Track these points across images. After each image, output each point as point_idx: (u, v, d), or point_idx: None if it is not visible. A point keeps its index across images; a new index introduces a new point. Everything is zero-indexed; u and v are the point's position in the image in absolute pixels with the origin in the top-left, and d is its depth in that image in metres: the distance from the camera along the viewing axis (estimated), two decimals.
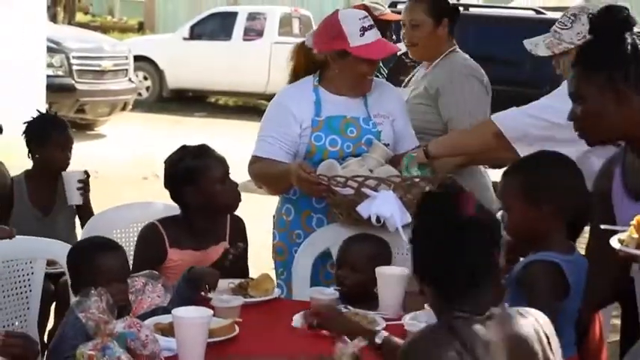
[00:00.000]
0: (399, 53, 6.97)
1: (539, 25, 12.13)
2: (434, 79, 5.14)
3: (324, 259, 4.58)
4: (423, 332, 2.74)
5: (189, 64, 19.63)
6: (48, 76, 12.29)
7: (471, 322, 2.64)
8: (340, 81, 4.70)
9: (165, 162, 4.23)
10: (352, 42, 4.57)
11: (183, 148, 4.24)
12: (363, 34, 4.57)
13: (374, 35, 4.62)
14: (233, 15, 21.85)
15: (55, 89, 12.95)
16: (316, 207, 4.64)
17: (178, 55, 19.83)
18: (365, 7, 7.20)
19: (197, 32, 20.74)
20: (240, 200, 4.26)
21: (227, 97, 20.54)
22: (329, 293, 4.09)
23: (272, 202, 4.98)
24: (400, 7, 13.25)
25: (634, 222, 3.03)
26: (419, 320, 3.72)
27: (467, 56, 5.30)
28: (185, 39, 20.59)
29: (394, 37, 7.34)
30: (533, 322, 2.75)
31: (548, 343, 2.75)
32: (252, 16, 21.36)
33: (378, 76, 5.77)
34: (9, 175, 5.21)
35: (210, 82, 19.21)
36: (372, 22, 4.67)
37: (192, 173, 4.11)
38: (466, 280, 2.71)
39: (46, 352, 3.59)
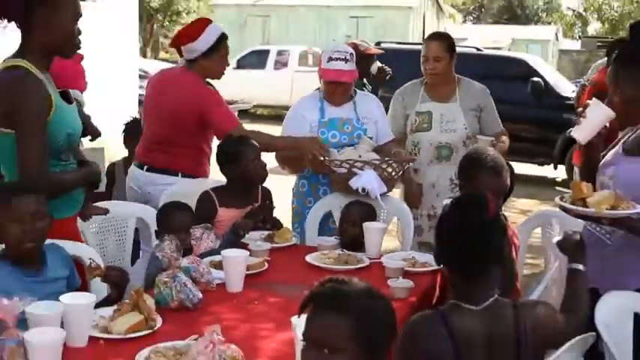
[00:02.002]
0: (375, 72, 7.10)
1: (479, 60, 12.10)
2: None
3: (327, 217, 4.57)
4: (421, 316, 2.55)
5: (238, 86, 19.59)
6: (140, 95, 12.39)
7: (464, 313, 2.46)
8: (325, 94, 4.71)
9: (217, 147, 4.21)
10: (322, 66, 4.63)
11: (228, 137, 4.22)
12: (328, 62, 4.56)
13: (337, 65, 4.55)
14: (266, 52, 21.90)
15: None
16: (322, 181, 4.65)
17: (230, 79, 19.71)
18: (354, 44, 7.24)
19: (242, 64, 20.70)
20: (267, 175, 4.24)
21: (262, 108, 20.42)
22: (331, 241, 4.13)
23: (292, 180, 4.95)
24: (384, 45, 13.42)
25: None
26: (393, 259, 3.74)
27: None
28: (234, 68, 20.55)
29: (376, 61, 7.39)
30: (519, 314, 2.49)
31: (532, 334, 2.47)
32: (280, 53, 21.42)
33: (363, 89, 5.83)
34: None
35: (251, 98, 19.19)
36: (345, 57, 4.56)
37: (234, 155, 4.10)
38: (479, 270, 2.51)
39: None
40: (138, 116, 6.10)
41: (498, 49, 24.80)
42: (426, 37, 5.09)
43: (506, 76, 12.22)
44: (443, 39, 4.89)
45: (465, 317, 2.45)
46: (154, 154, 4.61)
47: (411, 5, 31.64)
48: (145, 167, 4.61)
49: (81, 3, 3.24)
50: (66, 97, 3.36)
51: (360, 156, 4.44)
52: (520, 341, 2.45)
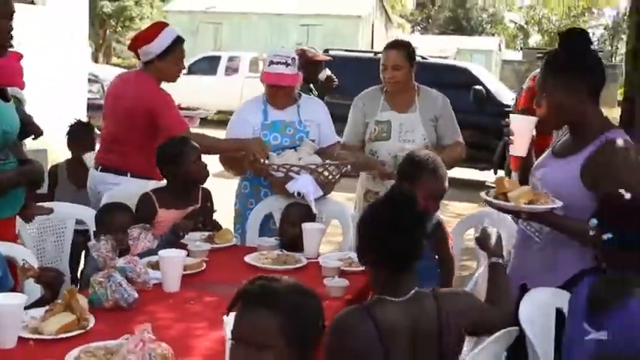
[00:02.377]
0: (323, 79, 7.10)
1: (425, 69, 12.11)
2: None
3: (268, 219, 4.53)
4: (346, 312, 2.55)
5: (189, 91, 19.44)
6: (88, 99, 12.20)
7: (387, 305, 2.48)
8: (267, 97, 4.67)
9: (157, 149, 4.14)
10: (264, 69, 4.62)
11: (169, 138, 4.16)
12: (269, 65, 4.54)
13: (278, 68, 4.52)
14: (217, 58, 21.73)
15: (93, 108, 12.82)
16: (264, 183, 4.58)
17: (181, 85, 19.54)
18: (302, 51, 7.22)
19: (193, 70, 20.52)
20: (207, 175, 4.17)
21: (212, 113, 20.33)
22: (270, 241, 4.09)
23: (235, 183, 4.88)
24: (333, 52, 13.46)
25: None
26: (330, 259, 3.72)
27: None
28: (185, 74, 20.38)
29: (326, 69, 7.39)
30: (440, 304, 2.52)
31: (454, 322, 2.51)
32: (231, 59, 21.27)
33: (309, 94, 5.81)
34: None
35: (202, 103, 19.05)
36: (286, 60, 4.53)
37: (174, 156, 4.03)
38: (403, 265, 2.51)
39: None
40: (86, 119, 6.01)
41: (445, 58, 24.96)
42: (385, 45, 4.93)
43: (450, 84, 12.00)
44: (402, 47, 4.71)
45: (388, 310, 2.46)
46: (109, 155, 4.59)
47: (360, 14, 31.74)
48: (100, 167, 4.59)
49: (30, 4, 3.19)
50: (2, 95, 3.28)
51: (300, 159, 4.41)
52: (442, 329, 2.48)
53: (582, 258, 2.83)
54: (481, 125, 11.81)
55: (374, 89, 4.84)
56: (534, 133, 3.11)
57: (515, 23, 46.47)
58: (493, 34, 49.55)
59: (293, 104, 4.67)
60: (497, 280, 2.76)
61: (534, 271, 3.06)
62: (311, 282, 3.32)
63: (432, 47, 34.48)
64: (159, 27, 4.67)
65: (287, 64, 4.52)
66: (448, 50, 39.61)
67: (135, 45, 4.65)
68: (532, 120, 3.10)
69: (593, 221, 2.55)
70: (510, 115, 3.24)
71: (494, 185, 3.06)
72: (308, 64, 6.99)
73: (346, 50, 15.43)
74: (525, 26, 45.71)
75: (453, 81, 12.50)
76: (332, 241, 5.71)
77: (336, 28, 29.78)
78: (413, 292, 2.51)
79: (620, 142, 2.96)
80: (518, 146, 3.11)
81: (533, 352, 2.72)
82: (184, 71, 18.08)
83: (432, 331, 2.48)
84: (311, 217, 4.19)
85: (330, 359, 2.36)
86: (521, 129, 3.09)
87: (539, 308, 2.79)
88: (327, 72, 7.28)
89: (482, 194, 3.02)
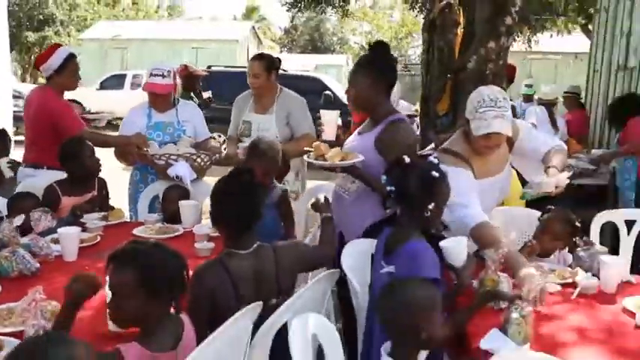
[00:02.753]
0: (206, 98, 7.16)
1: (286, 79, 12.23)
2: None
3: (155, 199, 4.41)
4: (206, 263, 2.56)
5: (102, 102, 18.68)
6: (14, 112, 11.54)
7: (237, 257, 2.50)
8: (150, 103, 4.59)
9: (58, 148, 3.98)
10: (146, 80, 4.55)
11: (68, 139, 4.03)
12: (149, 77, 4.46)
13: (155, 80, 4.43)
14: (124, 75, 20.96)
15: (18, 119, 12.11)
16: (151, 171, 4.47)
17: (95, 98, 18.78)
18: (185, 66, 7.12)
19: (104, 85, 19.87)
20: (100, 168, 4.04)
21: (120, 120, 19.64)
22: (155, 217, 4.01)
23: (129, 173, 4.74)
24: (215, 68, 13.38)
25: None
26: (202, 228, 3.66)
27: None
28: (97, 89, 19.69)
29: (201, 84, 7.32)
30: (277, 253, 2.58)
31: (288, 265, 2.60)
32: (135, 76, 20.43)
33: (190, 100, 5.76)
34: None
35: (112, 111, 18.26)
36: (162, 73, 4.43)
37: (72, 153, 3.91)
38: (243, 225, 2.54)
39: None
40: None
41: (306, 71, 25.12)
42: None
43: (305, 90, 12.23)
44: (261, 59, 4.65)
45: (236, 260, 2.50)
46: (30, 154, 4.53)
47: (237, 39, 31.77)
48: (25, 164, 4.51)
49: None
50: None
51: (177, 150, 4.32)
52: (279, 272, 2.56)
53: (379, 211, 2.90)
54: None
55: (248, 92, 4.78)
56: (339, 122, 3.22)
57: (358, 44, 47.17)
58: (342, 53, 50.14)
59: (172, 108, 4.56)
60: (326, 229, 2.89)
61: (347, 222, 3.18)
62: (185, 246, 3.34)
63: (297, 63, 34.52)
64: (53, 48, 4.59)
65: (163, 76, 4.43)
66: (308, 65, 39.71)
67: (37, 65, 4.58)
68: (336, 113, 3.25)
69: (383, 177, 2.63)
70: (320, 110, 3.33)
71: (312, 149, 3.17)
72: (189, 77, 6.93)
73: (225, 66, 15.36)
74: (365, 46, 46.53)
75: (308, 88, 12.56)
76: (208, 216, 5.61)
77: (219, 50, 29.42)
78: (256, 245, 2.55)
79: (400, 122, 3.22)
80: (328, 133, 3.20)
81: (353, 287, 2.78)
82: (97, 87, 17.28)
83: (272, 274, 2.54)
84: (187, 196, 4.11)
85: (193, 302, 2.36)
86: (329, 120, 3.21)
87: (357, 256, 2.85)
88: (209, 94, 7.33)
89: (305, 157, 3.13)
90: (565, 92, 8.19)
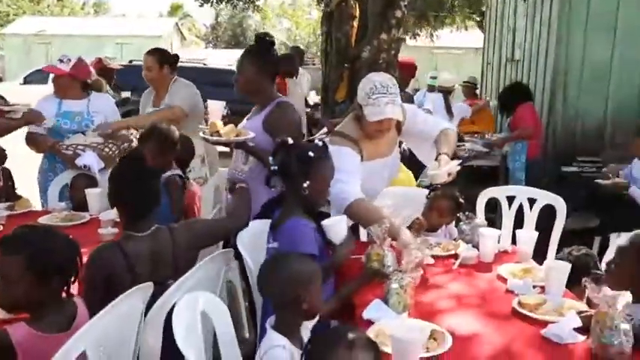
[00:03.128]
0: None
1: (207, 72, 12.21)
2: None
3: (65, 188, 4.17)
4: (103, 245, 2.48)
5: (27, 96, 17.80)
6: None
7: (134, 239, 2.42)
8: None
9: None
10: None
11: None
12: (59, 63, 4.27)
13: (61, 66, 4.24)
14: None
15: None
16: (59, 160, 4.23)
17: (19, 92, 17.89)
18: (99, 60, 6.85)
19: (28, 80, 18.96)
20: (6, 157, 3.84)
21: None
22: (62, 205, 3.82)
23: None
24: (135, 62, 13.05)
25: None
26: (108, 215, 3.51)
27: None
28: (21, 84, 18.78)
29: (115, 77, 7.10)
30: (174, 234, 2.50)
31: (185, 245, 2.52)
32: None
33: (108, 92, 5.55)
34: None
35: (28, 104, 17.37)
36: (65, 61, 4.24)
37: None
38: (139, 209, 2.46)
39: None
40: None
41: (230, 66, 24.87)
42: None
43: (227, 83, 12.36)
44: (153, 53, 4.55)
45: (134, 242, 2.43)
46: None
47: (160, 35, 30.99)
48: None
49: None
50: None
51: (85, 140, 4.13)
52: (175, 251, 2.49)
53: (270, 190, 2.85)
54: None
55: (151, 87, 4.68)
56: (225, 112, 3.20)
57: (279, 40, 47.02)
58: None
59: (85, 98, 4.34)
60: (238, 201, 2.88)
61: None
62: (90, 232, 3.20)
63: (221, 58, 34.11)
64: None
65: (62, 62, 4.27)
66: (232, 60, 39.41)
67: None
68: (221, 103, 3.24)
69: (270, 158, 2.60)
70: (208, 100, 3.30)
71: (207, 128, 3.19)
72: (104, 70, 6.67)
73: None
74: (286, 42, 46.45)
75: (228, 81, 12.55)
76: None
77: (142, 46, 28.52)
78: (153, 228, 2.48)
79: (285, 104, 3.28)
80: (214, 121, 3.16)
81: (248, 266, 2.73)
82: (20, 82, 16.39)
83: (168, 255, 2.48)
84: (94, 185, 3.93)
85: (87, 284, 2.29)
86: (214, 109, 3.19)
87: (253, 233, 2.77)
88: (129, 95, 7.18)
89: (200, 134, 3.09)
90: (463, 82, 8.39)
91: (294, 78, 7.47)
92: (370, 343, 1.59)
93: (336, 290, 2.53)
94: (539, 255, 3.14)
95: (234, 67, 13.77)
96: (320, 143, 2.57)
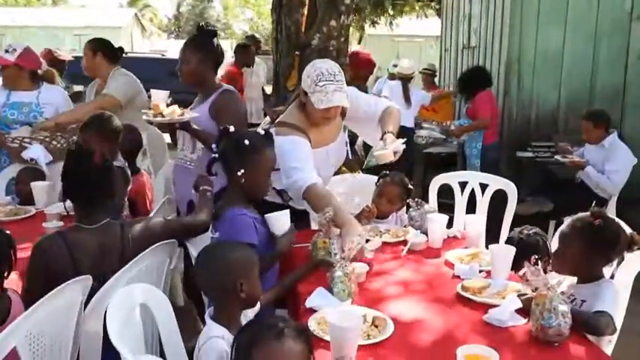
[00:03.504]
0: None
1: (166, 63, 12.10)
2: None
3: (10, 181, 4.02)
4: (45, 237, 2.39)
5: None
6: None
7: (81, 231, 2.35)
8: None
9: None
10: None
11: None
12: (5, 53, 4.16)
13: (6, 56, 4.12)
14: None
15: None
16: (4, 153, 4.13)
17: None
18: (49, 51, 6.70)
19: None
20: None
21: None
22: (7, 199, 3.72)
23: None
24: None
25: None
26: (53, 208, 3.42)
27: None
28: None
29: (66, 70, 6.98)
30: (124, 230, 2.42)
31: (133, 240, 2.43)
32: None
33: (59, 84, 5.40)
34: None
35: None
36: (10, 50, 4.13)
37: None
38: (90, 201, 2.40)
39: None
40: None
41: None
42: None
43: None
44: (89, 41, 4.54)
45: (80, 234, 2.36)
46: None
47: (120, 25, 30.31)
48: None
49: None
50: None
51: (33, 132, 4.01)
52: (124, 246, 2.41)
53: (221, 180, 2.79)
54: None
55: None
56: (168, 101, 3.16)
57: (242, 30, 46.64)
58: (226, 38, 49.48)
59: (35, 90, 4.22)
60: (201, 200, 2.74)
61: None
62: (36, 226, 3.10)
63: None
64: None
65: (7, 52, 4.17)
66: None
67: None
68: (165, 92, 3.21)
69: (214, 145, 2.57)
70: (151, 90, 3.26)
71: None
72: (54, 61, 6.51)
73: None
74: (248, 31, 46.15)
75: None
76: None
77: (101, 37, 28.04)
78: (105, 221, 2.42)
79: (231, 92, 3.31)
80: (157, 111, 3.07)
81: (192, 257, 2.65)
82: None
83: (116, 248, 2.41)
84: (43, 178, 3.81)
85: (28, 277, 2.27)
86: (157, 98, 3.13)
87: None
88: (81, 89, 7.06)
89: (144, 117, 3.04)
90: (422, 69, 8.42)
91: (251, 67, 7.41)
92: (300, 332, 1.57)
93: (279, 279, 2.51)
94: (495, 240, 3.17)
95: None
96: (261, 131, 2.53)
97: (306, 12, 4.21)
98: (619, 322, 2.29)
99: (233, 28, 49.87)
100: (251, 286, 1.96)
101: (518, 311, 2.07)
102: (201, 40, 3.31)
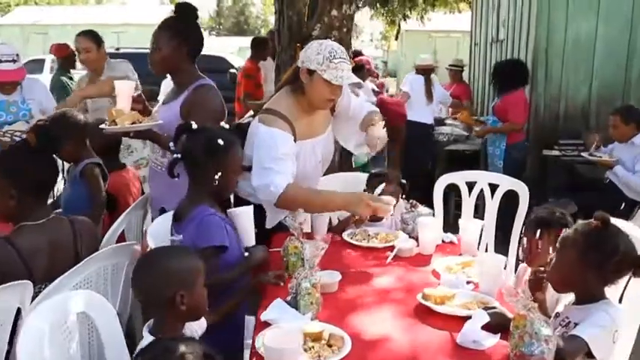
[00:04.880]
0: None
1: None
2: None
3: None
4: None
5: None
6: None
7: (27, 229, 2.18)
8: None
9: None
10: None
11: None
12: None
13: (6, 66, 3.96)
14: (43, 60, 19.84)
15: None
16: None
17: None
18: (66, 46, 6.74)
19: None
20: None
21: None
22: None
23: None
24: (123, 50, 12.92)
25: None
26: None
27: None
28: None
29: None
30: (74, 225, 2.28)
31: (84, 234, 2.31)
32: (53, 60, 19.20)
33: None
34: None
35: None
36: (13, 58, 3.97)
37: None
38: (36, 195, 2.25)
39: None
40: None
41: (231, 53, 24.60)
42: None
43: (211, 69, 12.44)
44: (89, 34, 4.41)
45: (27, 233, 2.18)
46: None
47: (153, 23, 30.64)
48: None
49: None
50: None
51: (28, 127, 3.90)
52: (76, 240, 2.28)
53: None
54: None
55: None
56: (133, 94, 2.89)
57: None
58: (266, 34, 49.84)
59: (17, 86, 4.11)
60: None
61: (166, 197, 2.82)
62: None
63: (224, 46, 33.91)
64: None
65: (14, 61, 3.99)
66: (232, 47, 39.05)
67: None
68: (130, 83, 2.91)
69: (171, 144, 2.40)
70: (115, 81, 2.95)
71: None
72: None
73: (135, 48, 14.90)
74: None
75: (214, 68, 12.54)
76: None
77: (140, 34, 28.28)
78: (51, 216, 2.27)
79: (206, 87, 2.89)
80: (121, 104, 2.83)
81: None
82: None
83: (69, 242, 2.26)
84: None
85: None
86: (122, 90, 2.84)
87: (163, 225, 2.50)
88: None
89: (103, 126, 2.73)
90: (449, 65, 8.08)
91: (268, 61, 7.22)
92: (205, 358, 1.36)
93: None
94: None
95: (215, 53, 13.49)
96: (226, 126, 2.31)
97: (308, 1, 3.99)
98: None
99: (271, 23, 50.03)
100: (194, 298, 1.75)
101: (487, 327, 1.81)
102: (179, 23, 2.87)
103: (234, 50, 39.17)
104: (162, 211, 2.80)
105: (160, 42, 2.86)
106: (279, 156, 2.62)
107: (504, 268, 2.47)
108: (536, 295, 1.95)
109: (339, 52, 2.65)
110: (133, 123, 2.70)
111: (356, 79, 2.73)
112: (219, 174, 2.24)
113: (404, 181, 3.06)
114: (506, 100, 5.53)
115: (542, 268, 2.10)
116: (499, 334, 1.81)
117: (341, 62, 2.63)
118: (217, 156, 2.25)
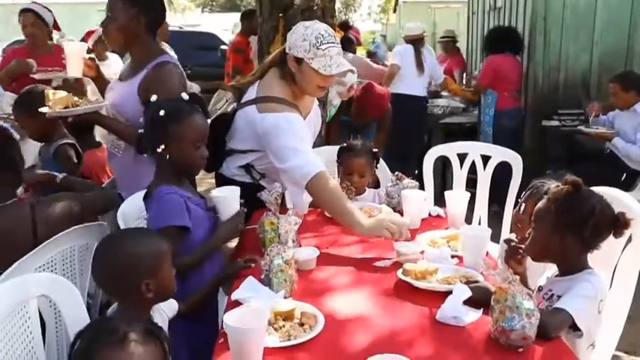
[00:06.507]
0: None
1: (184, 35, 12.41)
2: None
3: None
4: None
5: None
6: None
7: None
8: None
9: None
10: None
11: None
12: None
13: None
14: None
15: None
16: None
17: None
18: None
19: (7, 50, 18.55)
20: None
21: None
22: None
23: None
24: None
25: None
26: None
27: None
28: (2, 55, 18.43)
29: None
30: (35, 211, 2.24)
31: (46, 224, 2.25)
32: None
33: None
34: None
35: None
36: None
37: None
38: None
39: None
40: None
41: (225, 30, 24.35)
42: None
43: (203, 45, 13.06)
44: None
45: None
46: None
47: None
48: None
49: None
50: None
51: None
52: (36, 227, 2.24)
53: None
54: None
55: None
56: (86, 57, 2.80)
57: None
58: None
59: None
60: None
61: (125, 180, 2.80)
62: None
63: (217, 22, 33.63)
64: None
65: None
66: (227, 24, 38.73)
67: None
68: (81, 45, 2.81)
69: (141, 119, 2.27)
70: (62, 43, 2.89)
71: None
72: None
73: None
74: None
75: (205, 44, 13.15)
76: None
77: None
78: (11, 201, 2.24)
79: (165, 65, 2.72)
80: (72, 68, 2.75)
81: None
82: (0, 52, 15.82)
83: (27, 230, 2.22)
84: None
85: None
86: (72, 52, 2.76)
87: (135, 206, 2.45)
88: None
89: (44, 109, 2.62)
90: (441, 37, 7.97)
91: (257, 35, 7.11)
92: (149, 335, 1.33)
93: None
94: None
95: (205, 29, 13.52)
96: (185, 96, 2.22)
97: None
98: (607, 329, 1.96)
99: None
100: (160, 283, 1.71)
101: (469, 302, 1.77)
102: None
103: (228, 27, 38.87)
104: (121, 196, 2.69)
105: (115, 10, 2.66)
106: (301, 136, 2.58)
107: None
108: (514, 267, 1.89)
109: (327, 37, 2.57)
110: (66, 107, 2.54)
111: (348, 66, 2.63)
112: (163, 147, 2.14)
113: (375, 149, 3.01)
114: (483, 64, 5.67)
115: (516, 239, 2.06)
116: (481, 310, 1.77)
117: (329, 47, 2.56)
118: (159, 128, 2.14)
